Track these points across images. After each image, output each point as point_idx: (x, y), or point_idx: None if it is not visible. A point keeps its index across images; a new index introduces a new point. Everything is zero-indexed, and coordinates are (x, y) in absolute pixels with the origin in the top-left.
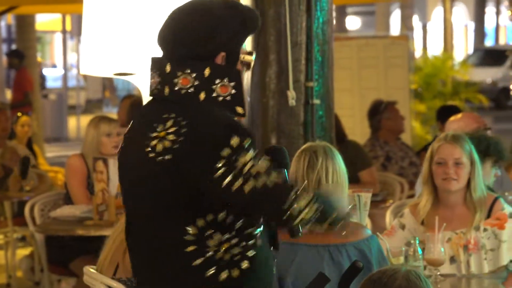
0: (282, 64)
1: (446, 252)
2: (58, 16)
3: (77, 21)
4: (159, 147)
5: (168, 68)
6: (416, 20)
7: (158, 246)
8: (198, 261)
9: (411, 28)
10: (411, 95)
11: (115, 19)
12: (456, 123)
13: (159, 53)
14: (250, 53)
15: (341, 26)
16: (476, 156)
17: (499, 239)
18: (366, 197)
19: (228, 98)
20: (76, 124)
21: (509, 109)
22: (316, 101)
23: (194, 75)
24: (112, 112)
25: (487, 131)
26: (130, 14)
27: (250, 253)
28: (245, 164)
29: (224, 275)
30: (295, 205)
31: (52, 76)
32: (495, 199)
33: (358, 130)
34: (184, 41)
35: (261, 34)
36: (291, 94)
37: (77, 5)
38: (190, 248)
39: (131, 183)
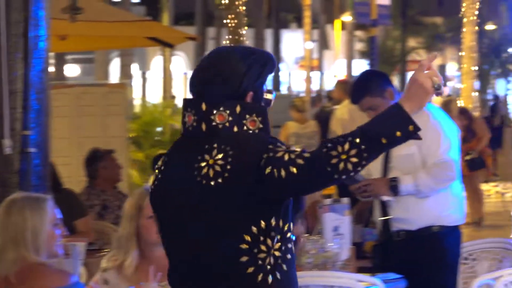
0: None
1: None
2: None
3: None
4: (211, 173)
5: (203, 107)
6: (135, 69)
7: (217, 261)
8: (251, 269)
9: (130, 76)
10: (129, 144)
11: None
12: None
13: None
14: (270, 92)
15: (60, 74)
16: None
17: None
18: (80, 246)
19: (256, 131)
20: None
21: None
22: (32, 150)
23: (228, 111)
24: None
25: None
26: None
27: (289, 256)
28: (282, 156)
29: (270, 279)
30: (334, 153)
31: None
32: None
33: (75, 179)
34: (218, 84)
35: None
36: (7, 142)
37: None
38: (244, 258)
39: (182, 213)
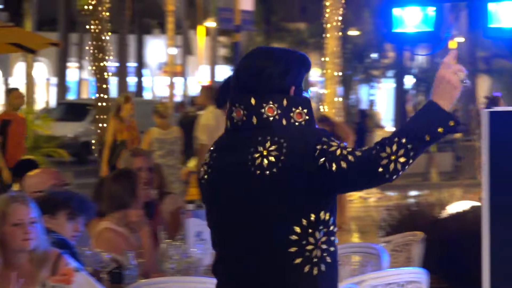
0: None
1: None
2: None
3: None
4: (265, 163)
5: (253, 101)
6: None
7: (267, 250)
8: (298, 260)
9: None
10: None
11: None
12: (33, 179)
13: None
14: (305, 90)
15: None
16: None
17: None
18: None
19: (303, 123)
20: None
21: (90, 163)
22: None
23: (276, 105)
24: None
25: (66, 186)
26: None
27: (332, 249)
28: (335, 150)
29: (315, 270)
30: (383, 154)
31: None
32: (59, 255)
33: None
34: (265, 79)
35: None
36: None
37: None
38: (293, 249)
39: (235, 203)
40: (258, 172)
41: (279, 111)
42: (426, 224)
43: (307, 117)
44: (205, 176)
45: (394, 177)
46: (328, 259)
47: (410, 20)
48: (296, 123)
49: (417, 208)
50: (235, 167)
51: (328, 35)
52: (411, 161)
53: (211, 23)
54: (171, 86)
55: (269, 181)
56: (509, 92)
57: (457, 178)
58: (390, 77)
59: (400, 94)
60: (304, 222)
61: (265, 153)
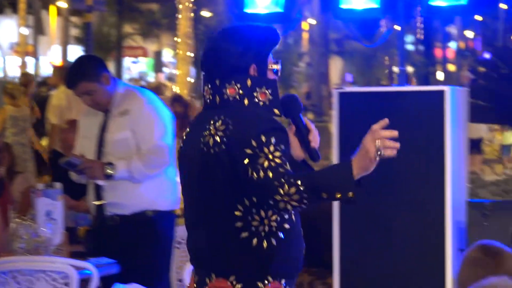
0: None
1: None
2: None
3: None
4: (211, 142)
5: (217, 82)
6: None
7: (214, 224)
8: (245, 234)
9: None
10: None
11: None
12: None
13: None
14: (276, 62)
15: None
16: None
17: None
18: None
19: (267, 102)
20: None
21: None
22: None
23: (238, 85)
24: None
25: None
26: None
27: (286, 226)
28: (262, 157)
29: (265, 244)
30: (281, 191)
31: None
32: None
33: None
34: (225, 59)
35: None
36: None
37: None
38: (239, 224)
39: (190, 174)
40: (205, 149)
41: (241, 92)
42: None
43: (270, 97)
44: (179, 147)
45: (283, 212)
46: (281, 235)
47: (261, 1)
48: (261, 103)
49: None
50: (193, 143)
51: (180, 16)
52: (303, 206)
53: (62, 3)
54: (23, 66)
55: (212, 159)
56: (361, 73)
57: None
58: None
59: None
60: (246, 202)
61: (213, 132)
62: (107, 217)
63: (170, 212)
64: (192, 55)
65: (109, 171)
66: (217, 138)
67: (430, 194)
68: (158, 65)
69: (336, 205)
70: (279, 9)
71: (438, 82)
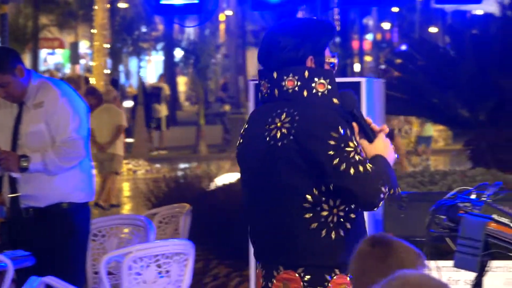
0: None
1: None
2: None
3: None
4: (278, 135)
5: (275, 75)
6: None
7: (283, 216)
8: (314, 225)
9: None
10: None
11: None
12: None
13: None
14: (333, 56)
15: None
16: None
17: None
18: None
19: (326, 92)
20: None
21: None
22: None
23: (296, 77)
24: None
25: None
26: None
27: (352, 215)
28: (351, 151)
29: (333, 235)
30: (381, 195)
31: None
32: None
33: None
34: (282, 51)
35: None
36: None
37: None
38: (308, 215)
39: (253, 169)
40: (272, 142)
41: (299, 83)
42: (193, 196)
43: (329, 87)
44: (238, 143)
45: (371, 206)
46: (348, 225)
47: None
48: (319, 93)
49: (185, 181)
50: (256, 138)
51: (96, 7)
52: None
53: None
54: None
55: (280, 152)
56: None
57: (226, 150)
58: (160, 49)
59: (170, 66)
60: (315, 191)
61: (279, 124)
62: (22, 210)
63: (85, 204)
64: (109, 46)
65: (23, 163)
66: (284, 131)
67: None
68: (74, 57)
69: None
70: (195, 0)
71: (355, 74)
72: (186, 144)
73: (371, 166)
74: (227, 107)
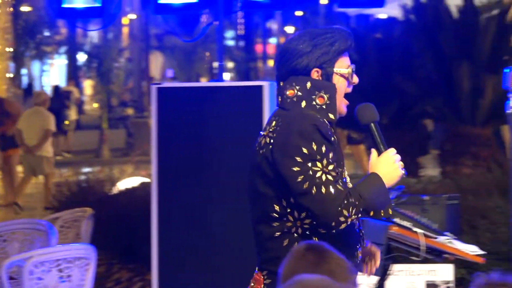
0: None
1: None
2: None
3: None
4: (263, 142)
5: (281, 83)
6: None
7: (258, 221)
8: (278, 234)
9: None
10: None
11: None
12: None
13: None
14: (349, 66)
15: None
16: None
17: None
18: None
19: (324, 106)
20: None
21: None
22: None
23: (298, 87)
24: None
25: None
26: None
27: (322, 230)
28: (317, 170)
29: (296, 245)
30: (342, 218)
31: None
32: None
33: None
34: (287, 62)
35: None
36: None
37: None
38: (275, 224)
39: (248, 174)
40: (257, 148)
41: (299, 93)
42: (95, 200)
43: (328, 102)
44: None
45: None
46: (316, 239)
47: None
48: (317, 106)
49: (88, 185)
50: (256, 143)
51: None
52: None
53: None
54: None
55: (260, 160)
56: (182, 69)
57: (129, 154)
58: (63, 53)
59: (73, 70)
60: (284, 202)
61: (266, 133)
62: None
63: None
64: (11, 50)
65: None
66: (267, 140)
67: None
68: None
69: (154, 200)
70: (97, 4)
71: (258, 78)
72: (89, 148)
73: (340, 187)
74: (130, 111)
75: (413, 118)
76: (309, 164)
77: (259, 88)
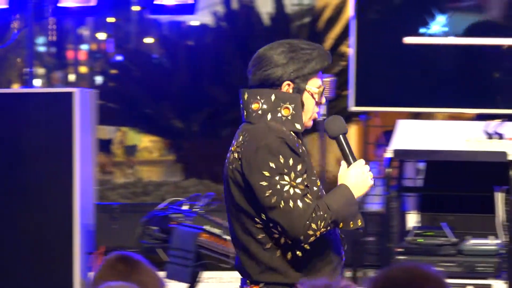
0: None
1: None
2: None
3: None
4: (231, 158)
5: (245, 96)
6: None
7: (243, 232)
8: (269, 245)
9: None
10: None
11: None
12: None
13: None
14: (320, 86)
15: None
16: None
17: None
18: None
19: (289, 117)
20: None
21: None
22: None
23: (263, 100)
24: None
25: None
26: None
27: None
28: (285, 184)
29: (289, 255)
30: (310, 231)
31: None
32: None
33: None
34: (261, 70)
35: None
36: None
37: None
38: (261, 235)
39: (224, 186)
40: (227, 164)
41: (264, 106)
42: None
43: (293, 112)
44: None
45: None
46: (306, 246)
47: None
48: (283, 118)
49: None
50: (226, 160)
51: None
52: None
53: None
54: None
55: (232, 176)
56: None
57: None
58: None
59: None
60: (263, 215)
61: (233, 149)
62: None
63: None
64: None
65: None
66: (235, 155)
67: (58, 197)
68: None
69: None
70: None
71: (69, 84)
72: None
73: (309, 200)
74: None
75: (224, 125)
76: (277, 178)
77: (69, 94)
